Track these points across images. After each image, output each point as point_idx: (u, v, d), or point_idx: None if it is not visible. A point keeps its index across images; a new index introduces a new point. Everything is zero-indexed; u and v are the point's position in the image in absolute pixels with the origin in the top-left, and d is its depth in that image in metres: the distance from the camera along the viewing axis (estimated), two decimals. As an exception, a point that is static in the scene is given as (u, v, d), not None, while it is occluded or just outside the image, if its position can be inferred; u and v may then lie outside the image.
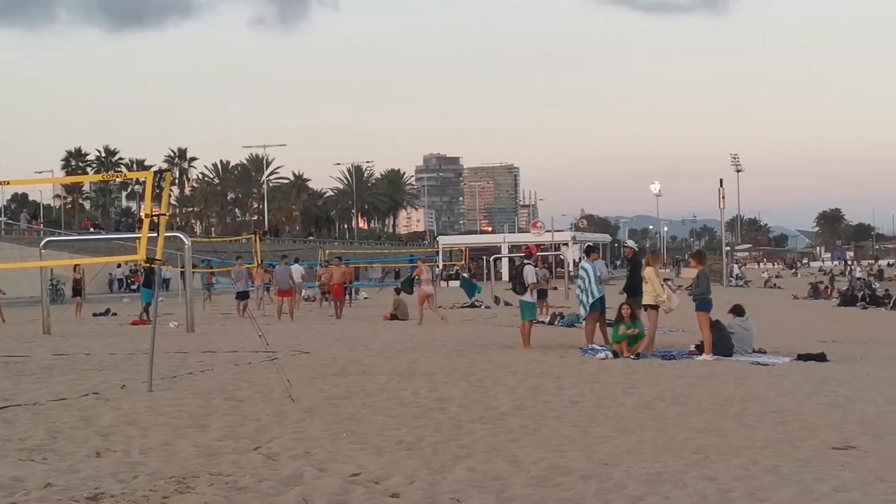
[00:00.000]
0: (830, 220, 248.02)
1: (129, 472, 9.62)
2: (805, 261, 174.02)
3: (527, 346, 22.11)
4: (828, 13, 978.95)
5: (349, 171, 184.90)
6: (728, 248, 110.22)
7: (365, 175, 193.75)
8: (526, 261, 23.43)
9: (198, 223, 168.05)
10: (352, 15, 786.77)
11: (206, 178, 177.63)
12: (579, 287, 22.59)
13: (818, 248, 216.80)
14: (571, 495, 8.96)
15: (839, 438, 11.92)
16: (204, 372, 17.88)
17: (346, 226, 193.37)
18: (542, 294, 35.74)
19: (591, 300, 22.05)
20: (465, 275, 59.65)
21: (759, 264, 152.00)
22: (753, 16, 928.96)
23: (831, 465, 10.30)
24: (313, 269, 55.95)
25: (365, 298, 50.26)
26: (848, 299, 56.68)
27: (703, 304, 20.60)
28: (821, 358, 20.95)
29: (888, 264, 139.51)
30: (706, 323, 20.64)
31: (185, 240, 32.80)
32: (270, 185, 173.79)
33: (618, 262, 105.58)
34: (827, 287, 69.98)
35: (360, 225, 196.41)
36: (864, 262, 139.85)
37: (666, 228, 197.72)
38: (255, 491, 8.93)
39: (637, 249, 23.37)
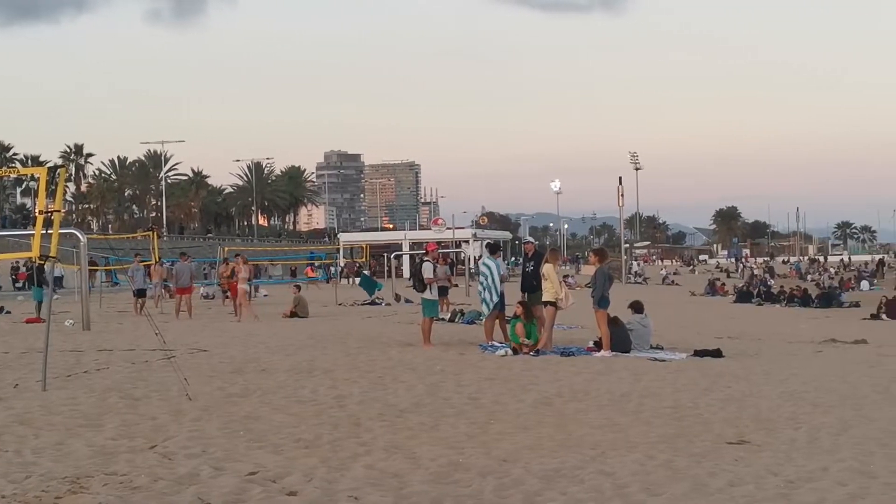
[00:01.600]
0: (727, 218, 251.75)
1: (21, 472, 9.46)
2: (702, 258, 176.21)
3: (427, 343, 22.12)
4: (724, 11, 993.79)
5: (249, 167, 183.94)
6: (627, 245, 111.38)
7: (265, 172, 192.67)
8: (425, 258, 23.45)
9: (94, 220, 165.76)
10: (249, 10, 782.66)
11: (104, 175, 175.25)
12: (481, 284, 22.64)
13: (715, 245, 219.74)
14: (469, 492, 8.97)
15: (734, 433, 12.09)
16: (99, 370, 17.62)
17: (245, 223, 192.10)
18: (444, 291, 35.85)
19: (493, 297, 22.10)
20: (365, 272, 59.51)
21: (659, 261, 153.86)
22: (649, 15, 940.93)
23: (725, 460, 10.44)
24: (209, 266, 55.46)
25: (265, 296, 49.89)
26: (743, 296, 57.54)
27: (602, 301, 20.76)
28: (717, 354, 21.22)
29: (783, 261, 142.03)
30: (604, 320, 20.81)
31: (80, 237, 32.24)
32: (169, 181, 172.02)
33: (515, 259, 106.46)
34: (723, 284, 71.00)
35: (260, 222, 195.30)
36: (760, 260, 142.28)
37: (566, 226, 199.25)
38: (151, 490, 8.82)
39: (538, 246, 23.38)
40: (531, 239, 26.10)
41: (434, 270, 23.10)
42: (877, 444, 11.53)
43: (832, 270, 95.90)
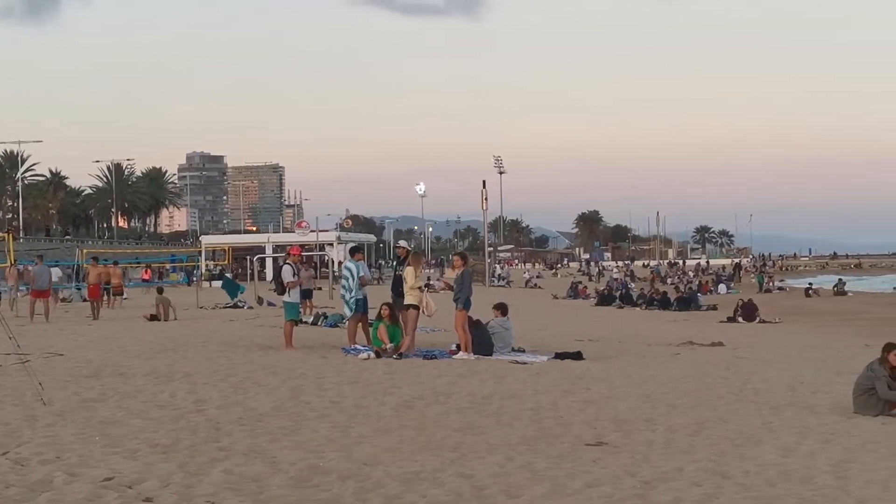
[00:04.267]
0: (589, 222, 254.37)
1: None
2: (565, 261, 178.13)
3: (289, 346, 21.96)
4: (584, 13, 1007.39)
5: (109, 168, 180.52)
6: (491, 248, 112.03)
7: (126, 173, 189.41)
8: (286, 261, 23.29)
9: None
10: (105, 9, 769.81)
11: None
12: (343, 287, 22.56)
13: (577, 248, 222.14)
14: (329, 496, 8.93)
15: (592, 435, 12.24)
16: (-50, 376, 17.12)
17: (105, 225, 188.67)
18: (308, 294, 35.65)
19: (356, 300, 22.04)
20: (228, 275, 58.87)
21: (522, 265, 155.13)
22: (508, 18, 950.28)
23: (584, 461, 10.56)
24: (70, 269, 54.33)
25: (124, 299, 49.02)
26: (604, 299, 58.26)
27: (464, 303, 20.85)
28: (577, 356, 21.46)
29: (643, 265, 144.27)
30: (463, 322, 20.89)
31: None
32: (26, 182, 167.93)
33: (383, 263, 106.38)
34: (585, 286, 71.85)
35: (121, 224, 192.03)
36: (621, 263, 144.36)
37: (430, 229, 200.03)
38: (2, 497, 8.60)
39: (410, 249, 23.39)
40: (404, 242, 26.08)
41: (297, 273, 22.96)
42: (730, 444, 11.79)
43: (691, 274, 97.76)
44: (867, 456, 11.31)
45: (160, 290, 38.08)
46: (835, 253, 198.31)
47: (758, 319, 41.35)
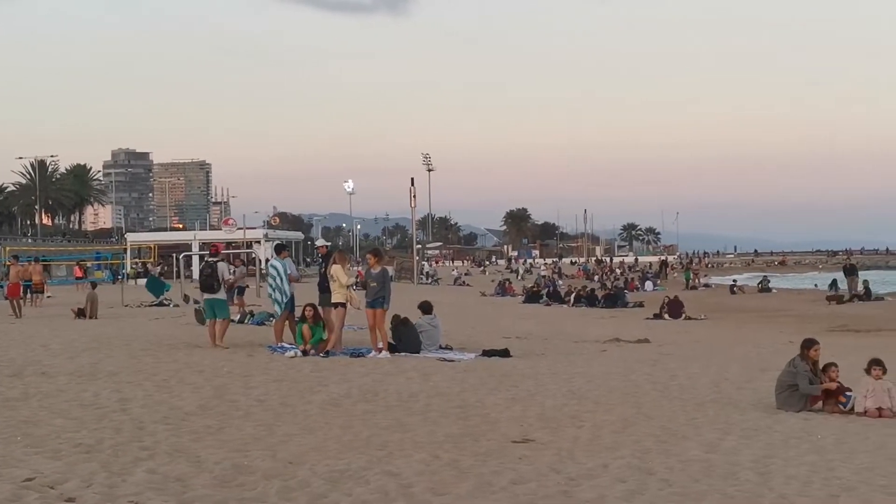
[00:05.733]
0: (517, 220, 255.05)
1: None
2: (493, 259, 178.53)
3: (215, 343, 21.82)
4: (510, 16, 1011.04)
5: (32, 165, 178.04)
6: (419, 246, 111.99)
7: (49, 170, 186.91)
8: (216, 259, 23.07)
9: None
10: (29, 4, 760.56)
11: None
12: (270, 285, 22.45)
13: (506, 246, 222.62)
14: (254, 495, 8.87)
15: (519, 432, 12.28)
16: None
17: (29, 222, 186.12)
18: (240, 292, 35.59)
19: (283, 298, 21.93)
20: (154, 273, 58.33)
21: (450, 262, 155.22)
22: (433, 16, 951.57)
23: (510, 459, 10.58)
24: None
25: (48, 297, 48.43)
26: (532, 296, 58.43)
27: (385, 301, 20.82)
28: (504, 353, 21.53)
29: (570, 262, 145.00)
30: (382, 320, 20.88)
31: None
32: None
33: (309, 260, 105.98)
34: (513, 284, 72.05)
35: (45, 221, 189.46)
36: (549, 260, 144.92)
37: (359, 226, 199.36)
38: (-82, 500, 8.45)
39: (329, 247, 23.32)
40: (323, 240, 25.99)
41: (233, 271, 22.86)
42: (655, 440, 11.88)
43: (618, 272, 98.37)
44: (789, 451, 11.47)
45: (94, 286, 37.78)
46: (756, 251, 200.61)
47: (683, 316, 41.73)
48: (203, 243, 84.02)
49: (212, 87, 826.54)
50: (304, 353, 20.36)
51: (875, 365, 14.85)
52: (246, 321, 30.61)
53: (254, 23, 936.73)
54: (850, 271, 53.78)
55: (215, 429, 12.17)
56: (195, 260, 76.56)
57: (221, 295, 22.43)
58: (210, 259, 23.02)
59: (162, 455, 10.46)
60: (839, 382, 15.18)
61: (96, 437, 11.35)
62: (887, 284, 70.12)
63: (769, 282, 70.99)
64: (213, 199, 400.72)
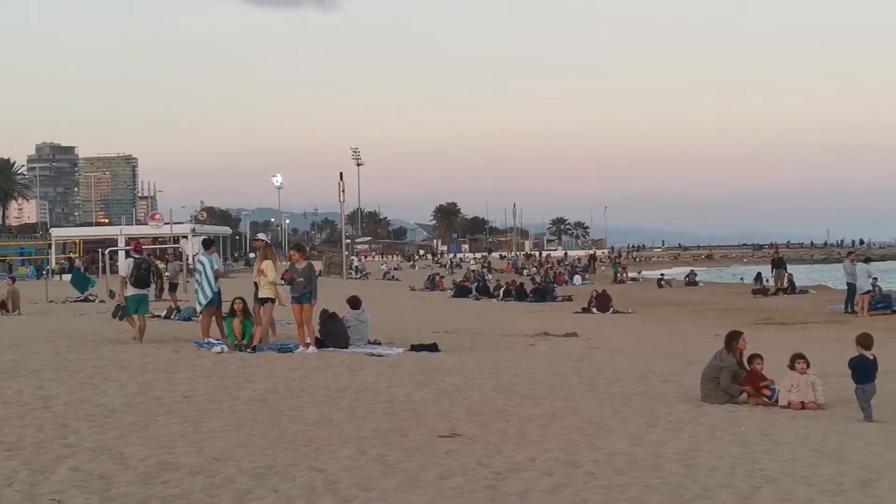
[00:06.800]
0: (447, 214, 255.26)
1: None
2: (422, 253, 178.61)
3: (137, 338, 21.69)
4: (438, 9, 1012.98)
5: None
6: (348, 240, 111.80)
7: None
8: (135, 255, 22.96)
9: None
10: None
11: None
12: (197, 281, 22.28)
13: (435, 240, 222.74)
14: (178, 492, 8.80)
15: (446, 426, 12.28)
16: None
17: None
18: (173, 287, 35.28)
19: (210, 294, 21.77)
20: (79, 268, 57.67)
21: (380, 257, 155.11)
22: (362, 10, 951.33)
23: (437, 453, 10.58)
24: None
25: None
26: (461, 290, 58.49)
27: (313, 296, 20.75)
28: (433, 348, 21.55)
29: (499, 256, 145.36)
30: (310, 315, 20.81)
31: None
32: None
33: (237, 255, 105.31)
34: (442, 278, 72.13)
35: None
36: (479, 255, 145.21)
37: (287, 221, 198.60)
38: None
39: (268, 242, 23.19)
40: (262, 235, 25.87)
41: (145, 267, 22.67)
42: (581, 434, 11.95)
43: (548, 266, 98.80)
44: (713, 444, 11.58)
45: (13, 280, 37.33)
46: (680, 244, 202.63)
47: (611, 310, 41.96)
48: (129, 238, 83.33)
49: (138, 81, 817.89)
50: (239, 348, 20.23)
51: (799, 359, 15.02)
52: (173, 317, 30.34)
53: (181, 16, 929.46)
54: (779, 264, 54.30)
55: (140, 426, 12.06)
56: (121, 255, 76.01)
57: (149, 291, 22.33)
58: (136, 256, 22.90)
59: (85, 452, 10.33)
60: (763, 375, 15.35)
61: (18, 435, 11.19)
62: (812, 278, 71.11)
63: (696, 275, 71.60)
64: (140, 194, 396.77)
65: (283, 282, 21.27)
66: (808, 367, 14.96)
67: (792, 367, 14.99)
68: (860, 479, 9.81)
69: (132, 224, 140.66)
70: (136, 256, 22.81)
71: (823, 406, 14.77)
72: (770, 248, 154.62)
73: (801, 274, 71.14)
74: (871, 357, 14.19)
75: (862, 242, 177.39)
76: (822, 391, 14.84)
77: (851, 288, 37.53)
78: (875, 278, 38.90)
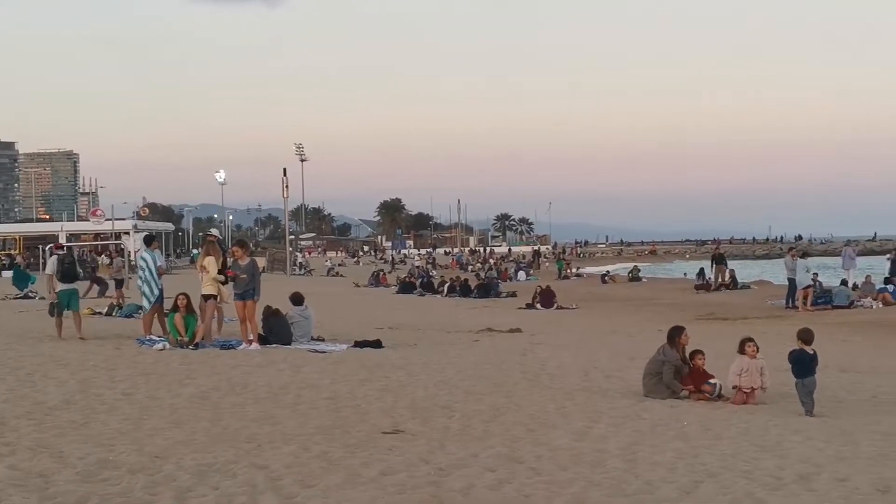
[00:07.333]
0: (391, 210, 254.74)
1: None
2: (366, 249, 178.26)
3: (61, 335, 21.55)
4: (382, 4, 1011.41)
5: None
6: (292, 237, 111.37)
7: None
8: (58, 252, 23.01)
9: None
10: None
11: None
12: (140, 277, 22.13)
13: (380, 236, 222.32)
14: (118, 490, 8.73)
15: (389, 423, 12.27)
16: None
17: None
18: (119, 283, 35.04)
19: (153, 290, 21.62)
20: (19, 265, 57.07)
21: (324, 253, 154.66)
22: (305, 5, 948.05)
23: (380, 449, 10.57)
24: None
25: None
26: (406, 287, 58.41)
27: (256, 292, 20.66)
28: (376, 344, 21.51)
29: (444, 252, 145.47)
30: (253, 311, 20.73)
31: None
32: None
33: (180, 251, 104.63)
34: (386, 274, 72.02)
35: None
36: (423, 251, 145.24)
37: (231, 217, 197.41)
38: None
39: (220, 238, 23.06)
40: (215, 231, 25.72)
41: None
42: (525, 429, 11.97)
43: (492, 262, 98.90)
44: (655, 438, 11.64)
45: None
46: (622, 240, 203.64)
47: (555, 306, 42.05)
48: (70, 235, 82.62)
49: (79, 77, 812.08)
50: (181, 345, 20.10)
51: (748, 342, 14.97)
52: (114, 314, 30.11)
53: (124, 11, 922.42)
54: (719, 260, 54.54)
55: (80, 423, 11.95)
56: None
57: (78, 286, 22.26)
58: (60, 252, 22.86)
59: (24, 451, 10.23)
60: (705, 371, 15.44)
61: (-45, 434, 11.07)
62: (754, 273, 71.68)
63: (640, 271, 71.92)
64: (81, 190, 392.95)
65: (223, 278, 21.10)
66: (757, 350, 14.95)
67: (742, 350, 14.94)
68: (800, 473, 9.89)
69: (73, 220, 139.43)
70: (60, 253, 22.81)
71: (766, 388, 14.78)
72: (713, 244, 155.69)
73: (744, 269, 71.68)
74: (811, 351, 14.28)
75: (800, 238, 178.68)
76: (769, 376, 14.84)
77: (792, 283, 37.83)
78: (815, 274, 39.24)
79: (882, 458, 10.71)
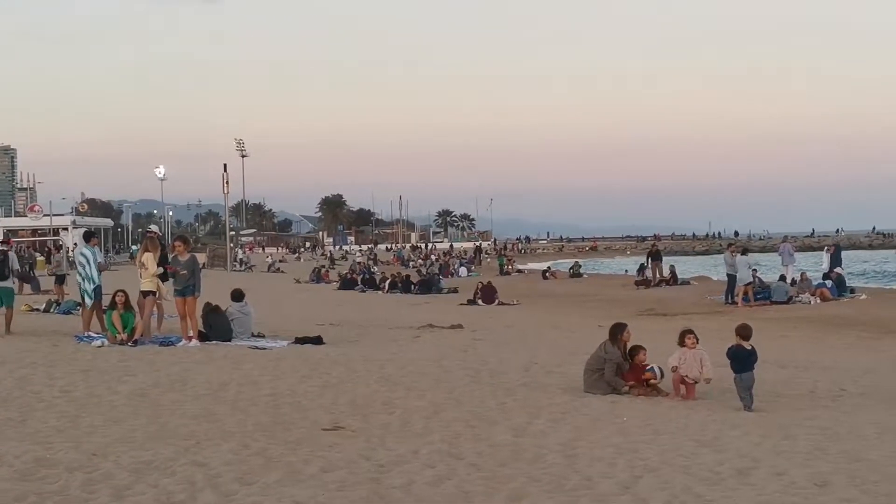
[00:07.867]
0: (333, 206, 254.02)
1: None
2: (308, 245, 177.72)
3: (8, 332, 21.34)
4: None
5: None
6: (233, 232, 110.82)
7: None
8: (4, 246, 22.84)
9: None
10: None
11: None
12: (79, 274, 21.93)
13: (321, 232, 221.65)
14: (55, 488, 8.66)
15: (329, 419, 12.25)
16: None
17: None
18: (60, 280, 34.81)
19: (92, 287, 21.43)
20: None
21: (265, 249, 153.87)
22: (244, 3, 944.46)
23: (320, 446, 10.56)
24: None
25: None
26: (347, 283, 58.31)
27: (193, 288, 20.53)
28: (317, 341, 21.46)
29: (386, 248, 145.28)
30: (193, 308, 20.61)
31: None
32: None
33: (119, 247, 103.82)
34: (328, 271, 71.81)
35: None
36: (364, 247, 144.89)
37: (171, 213, 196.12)
38: None
39: (161, 234, 22.90)
40: (155, 227, 25.57)
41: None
42: (465, 425, 11.99)
43: (434, 258, 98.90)
44: (595, 434, 11.69)
45: None
46: (561, 236, 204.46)
47: (497, 302, 42.14)
48: (7, 230, 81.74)
49: (15, 70, 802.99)
50: (120, 342, 19.93)
51: (688, 334, 15.10)
52: (52, 310, 29.81)
53: (59, 5, 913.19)
54: (655, 256, 54.88)
55: (17, 421, 11.85)
56: None
57: (9, 284, 22.15)
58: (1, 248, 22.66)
59: (-41, 450, 10.11)
60: (646, 366, 15.50)
61: None
62: (694, 269, 72.25)
63: (580, 267, 72.25)
64: (19, 185, 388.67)
65: (161, 270, 20.93)
66: (697, 342, 15.06)
67: (682, 343, 15.07)
68: (738, 468, 9.97)
69: (11, 216, 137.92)
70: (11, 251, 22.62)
71: (710, 380, 14.89)
72: (652, 240, 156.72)
73: (684, 265, 72.20)
74: (749, 347, 14.41)
75: (737, 234, 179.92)
76: (710, 366, 14.91)
77: (731, 279, 38.16)
78: (755, 269, 39.59)
79: (819, 453, 10.82)
